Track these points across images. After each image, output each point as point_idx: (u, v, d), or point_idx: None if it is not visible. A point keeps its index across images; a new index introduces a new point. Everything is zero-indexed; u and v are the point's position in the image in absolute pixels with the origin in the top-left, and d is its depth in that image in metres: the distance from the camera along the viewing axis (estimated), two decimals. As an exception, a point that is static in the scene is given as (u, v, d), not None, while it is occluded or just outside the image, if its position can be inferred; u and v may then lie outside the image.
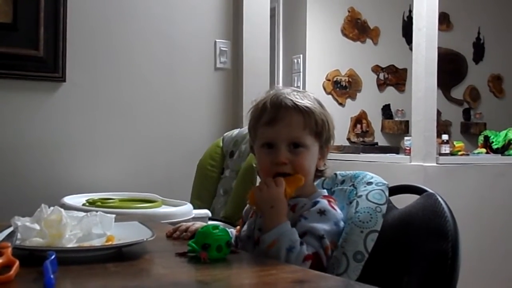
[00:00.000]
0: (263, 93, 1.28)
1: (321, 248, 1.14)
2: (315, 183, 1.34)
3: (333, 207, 1.22)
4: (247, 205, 1.37)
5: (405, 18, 5.07)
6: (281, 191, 1.16)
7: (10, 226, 1.10)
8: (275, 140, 1.20)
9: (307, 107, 1.20)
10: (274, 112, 1.20)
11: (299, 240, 1.13)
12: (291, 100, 1.20)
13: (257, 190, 1.17)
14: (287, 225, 1.14)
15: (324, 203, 1.21)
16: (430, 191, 1.23)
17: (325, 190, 1.31)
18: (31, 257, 1.01)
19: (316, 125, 1.21)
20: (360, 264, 1.15)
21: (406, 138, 3.44)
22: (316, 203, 1.21)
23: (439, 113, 4.59)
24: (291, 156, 1.20)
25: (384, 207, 1.21)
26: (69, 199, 2.24)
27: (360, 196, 1.24)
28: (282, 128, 1.20)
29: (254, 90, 2.98)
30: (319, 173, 1.30)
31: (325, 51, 4.78)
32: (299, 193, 1.22)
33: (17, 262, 0.90)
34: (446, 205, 1.16)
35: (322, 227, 1.16)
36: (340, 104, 4.83)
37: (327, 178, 1.36)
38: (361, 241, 1.16)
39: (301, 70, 4.68)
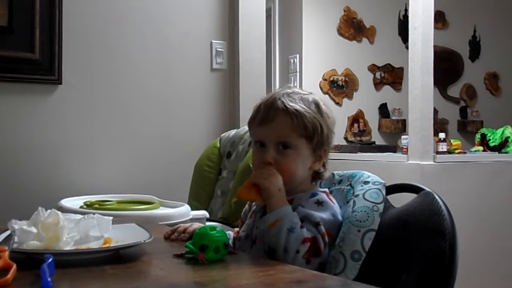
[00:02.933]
0: (273, 91, 1.33)
1: (318, 233, 1.16)
2: (314, 184, 1.34)
3: (330, 200, 1.24)
4: (246, 206, 1.38)
5: (401, 17, 5.07)
6: (279, 175, 1.21)
7: (7, 229, 1.10)
8: (265, 140, 1.25)
9: (296, 110, 1.22)
10: (265, 113, 1.25)
11: (300, 223, 1.15)
12: (283, 102, 1.23)
13: (262, 178, 1.19)
14: (290, 208, 1.18)
15: (322, 195, 1.24)
16: (428, 189, 1.24)
17: (325, 189, 1.32)
18: (29, 261, 1.01)
19: (305, 128, 1.22)
20: (357, 263, 1.15)
21: (403, 136, 3.45)
22: (314, 195, 1.24)
23: (435, 112, 4.59)
24: (278, 157, 1.23)
25: (381, 206, 1.22)
26: (66, 202, 2.24)
27: (357, 195, 1.25)
28: (271, 129, 1.23)
29: (251, 91, 2.99)
30: (316, 175, 1.31)
31: (321, 51, 4.77)
32: (295, 190, 1.25)
33: (15, 266, 0.89)
34: (443, 204, 1.17)
35: (319, 215, 1.19)
36: (337, 103, 4.83)
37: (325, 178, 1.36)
38: (358, 240, 1.17)
39: (298, 70, 4.67)
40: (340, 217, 1.23)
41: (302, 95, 1.27)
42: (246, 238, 1.28)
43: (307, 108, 1.23)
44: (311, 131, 1.23)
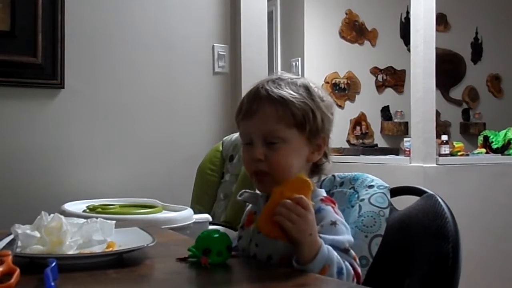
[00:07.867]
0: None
1: (352, 259, 1.06)
2: (314, 182, 1.21)
3: (337, 213, 1.11)
4: (249, 207, 1.27)
5: (403, 20, 5.08)
6: (311, 212, 1.01)
7: (10, 234, 1.10)
8: (251, 135, 1.12)
9: (281, 97, 1.09)
10: (249, 105, 1.13)
11: (340, 258, 1.03)
12: (266, 90, 1.11)
13: (290, 223, 0.98)
14: (324, 245, 1.01)
15: (329, 211, 1.10)
16: (430, 192, 1.23)
17: (323, 190, 1.20)
18: (32, 265, 1.01)
19: (293, 116, 1.09)
20: (364, 269, 1.14)
21: (405, 139, 3.44)
22: (320, 210, 1.09)
23: (438, 114, 4.60)
24: (268, 152, 1.10)
25: (387, 211, 1.21)
26: (69, 206, 2.23)
27: (363, 200, 1.23)
28: (256, 122, 1.11)
29: (253, 94, 2.98)
30: (316, 169, 1.17)
31: (323, 54, 4.78)
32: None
33: (18, 270, 0.89)
34: (446, 206, 1.16)
35: (344, 239, 1.07)
36: (339, 106, 4.83)
37: (326, 180, 1.33)
38: (365, 246, 1.16)
39: (300, 73, 4.68)
40: (348, 227, 1.12)
41: (290, 79, 1.14)
42: (243, 251, 1.19)
43: (294, 94, 1.10)
44: (301, 119, 1.09)
